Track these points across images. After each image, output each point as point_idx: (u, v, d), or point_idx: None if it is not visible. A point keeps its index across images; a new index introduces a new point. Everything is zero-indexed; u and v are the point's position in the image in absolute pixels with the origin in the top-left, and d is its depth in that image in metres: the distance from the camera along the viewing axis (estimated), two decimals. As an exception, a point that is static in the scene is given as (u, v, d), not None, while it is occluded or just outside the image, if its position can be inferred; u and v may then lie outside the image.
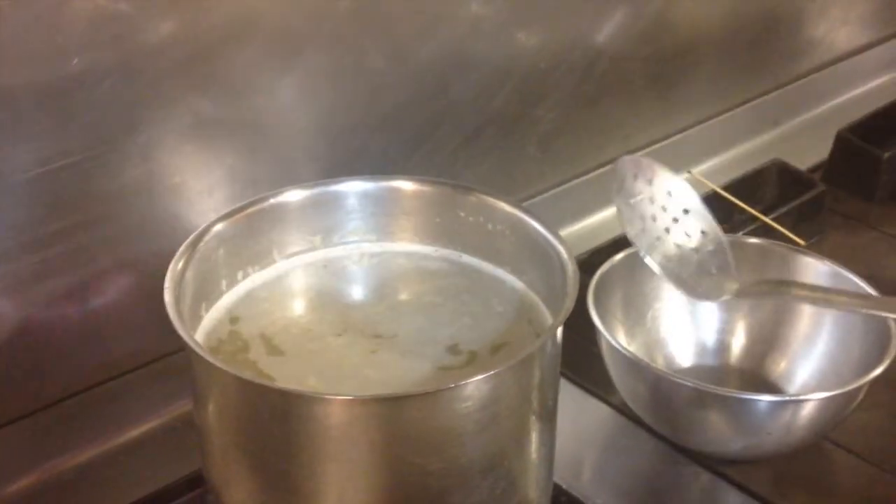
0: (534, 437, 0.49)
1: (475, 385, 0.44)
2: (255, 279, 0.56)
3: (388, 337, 0.53)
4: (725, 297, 0.61)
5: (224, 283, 0.55)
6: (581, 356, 0.66)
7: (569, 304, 0.48)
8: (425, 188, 0.58)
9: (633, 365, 0.61)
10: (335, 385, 0.50)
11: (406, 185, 0.58)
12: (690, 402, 0.60)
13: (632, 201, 0.60)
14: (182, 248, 0.51)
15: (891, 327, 0.61)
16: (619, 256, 0.67)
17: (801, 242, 0.77)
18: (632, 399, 0.64)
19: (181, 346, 0.46)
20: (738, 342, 0.69)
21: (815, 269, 0.67)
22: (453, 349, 0.52)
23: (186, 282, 0.50)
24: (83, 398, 0.63)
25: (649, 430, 0.65)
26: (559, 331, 0.48)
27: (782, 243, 0.71)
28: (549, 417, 0.51)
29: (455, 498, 0.47)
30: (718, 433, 0.60)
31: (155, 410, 0.65)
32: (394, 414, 0.45)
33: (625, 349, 0.61)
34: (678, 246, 0.61)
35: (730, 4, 0.91)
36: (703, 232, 0.61)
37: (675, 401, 0.60)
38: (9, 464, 0.61)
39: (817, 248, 0.78)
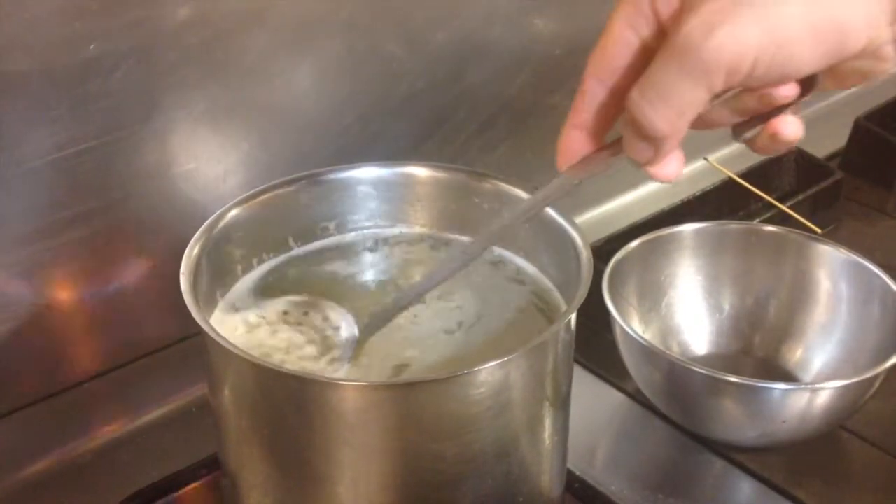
0: (547, 424, 0.49)
1: (489, 371, 0.44)
2: (270, 265, 0.56)
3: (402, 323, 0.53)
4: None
5: (239, 268, 0.55)
6: (595, 343, 0.66)
7: (583, 290, 0.48)
8: (440, 174, 0.58)
9: (648, 352, 0.61)
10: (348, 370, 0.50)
11: (421, 172, 0.58)
12: (705, 390, 0.60)
13: None
14: (198, 234, 0.51)
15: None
16: (634, 244, 0.67)
17: (818, 230, 0.77)
18: (646, 386, 0.64)
19: (197, 331, 0.46)
20: (754, 330, 0.69)
21: (831, 258, 0.67)
22: (467, 334, 0.52)
23: (202, 267, 0.50)
24: (99, 382, 0.63)
25: (663, 417, 0.65)
26: (573, 317, 0.48)
27: (799, 231, 0.70)
28: (562, 404, 0.51)
29: (469, 484, 0.47)
30: (733, 421, 0.60)
31: (171, 394, 0.65)
32: (408, 400, 0.45)
33: (639, 336, 0.61)
34: None
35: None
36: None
37: (689, 388, 0.60)
38: (26, 446, 0.61)
39: (834, 235, 0.77)
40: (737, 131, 0.42)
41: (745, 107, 0.40)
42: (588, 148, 0.43)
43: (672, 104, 0.38)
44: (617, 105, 0.41)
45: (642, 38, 0.40)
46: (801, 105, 0.40)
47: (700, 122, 0.40)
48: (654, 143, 0.39)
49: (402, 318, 0.53)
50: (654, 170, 0.41)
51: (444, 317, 0.54)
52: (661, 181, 0.42)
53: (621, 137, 0.41)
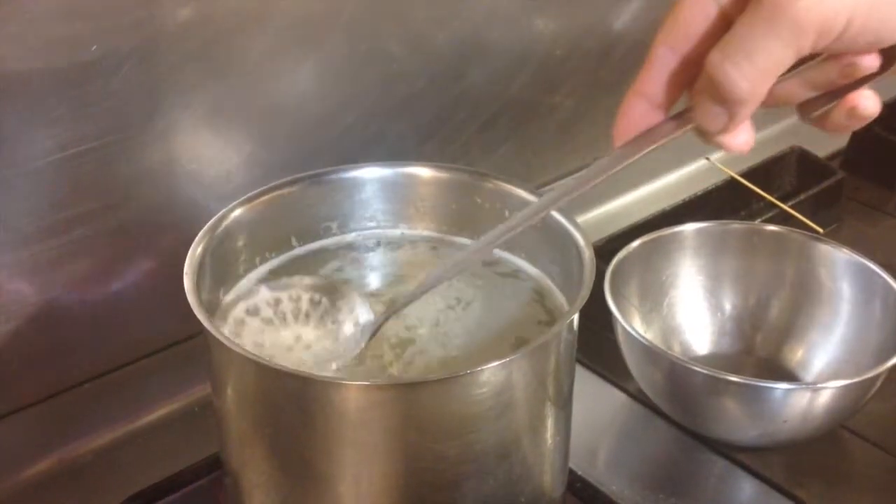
0: (549, 424, 0.49)
1: (491, 371, 0.44)
2: (272, 265, 0.56)
3: (403, 323, 0.53)
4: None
5: (242, 268, 0.55)
6: (597, 343, 0.66)
7: (585, 291, 0.48)
8: (442, 174, 0.58)
9: (650, 352, 0.61)
10: (350, 370, 0.50)
11: (422, 172, 0.58)
12: (706, 390, 0.60)
13: None
14: (201, 234, 0.51)
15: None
16: (635, 244, 0.67)
17: (819, 230, 0.77)
18: (648, 386, 0.64)
19: (200, 331, 0.46)
20: (755, 330, 0.69)
21: (832, 257, 0.67)
22: (469, 335, 0.52)
23: (205, 267, 0.50)
24: (102, 382, 0.63)
25: (665, 417, 0.65)
26: (575, 318, 0.48)
27: (800, 231, 0.70)
28: (564, 404, 0.51)
29: (471, 483, 0.47)
30: (734, 421, 0.60)
31: (173, 394, 0.66)
32: (410, 400, 0.45)
33: (641, 336, 0.61)
34: None
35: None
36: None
37: (691, 388, 0.60)
38: (28, 446, 0.61)
39: (835, 235, 0.77)
40: (805, 109, 0.41)
41: (824, 78, 0.39)
42: (651, 120, 0.42)
43: (757, 64, 0.37)
44: (687, 74, 0.40)
45: (720, 4, 0.39)
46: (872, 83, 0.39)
47: (769, 98, 0.39)
48: (731, 109, 0.38)
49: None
50: (726, 139, 0.40)
51: (444, 316, 0.54)
52: (733, 151, 0.41)
53: (685, 110, 0.40)
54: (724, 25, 0.39)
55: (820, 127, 0.42)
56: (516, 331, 0.53)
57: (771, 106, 0.40)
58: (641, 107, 0.42)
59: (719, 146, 0.41)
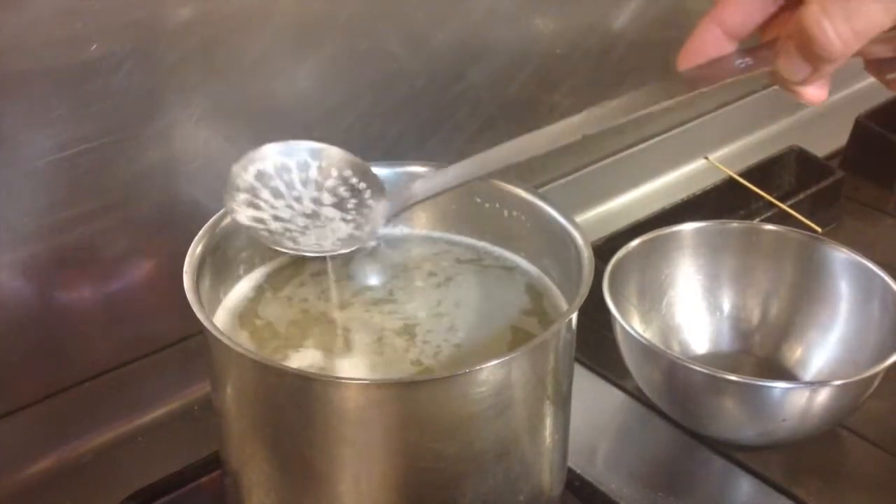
0: (548, 423, 0.50)
1: (490, 370, 0.45)
2: (272, 265, 0.56)
3: (404, 323, 0.53)
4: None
5: (242, 268, 0.55)
6: (596, 342, 0.66)
7: (584, 290, 0.48)
8: (441, 174, 0.58)
9: (648, 351, 0.61)
10: (349, 368, 0.50)
11: (422, 171, 0.58)
12: (705, 389, 0.60)
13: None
14: (201, 233, 0.51)
15: (907, 315, 0.61)
16: (634, 243, 0.67)
17: (818, 230, 0.77)
18: (646, 385, 0.64)
19: (199, 330, 0.46)
20: (754, 329, 0.69)
21: (831, 257, 0.67)
22: (468, 334, 0.52)
23: (205, 266, 0.50)
24: (102, 381, 0.63)
25: (664, 416, 0.65)
26: (574, 317, 0.48)
27: (799, 230, 0.71)
28: (563, 403, 0.51)
29: (469, 482, 0.47)
30: (733, 420, 0.60)
31: (173, 393, 0.66)
32: (409, 398, 0.45)
33: (640, 335, 0.61)
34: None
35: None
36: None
37: (689, 387, 0.60)
38: (28, 446, 0.61)
39: (834, 235, 0.77)
40: (879, 69, 0.40)
41: None
42: (722, 49, 0.41)
43: (854, 26, 0.37)
44: (768, 9, 0.40)
45: None
46: None
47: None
48: (817, 63, 0.38)
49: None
50: (801, 89, 0.40)
51: (444, 315, 0.54)
52: (806, 103, 0.41)
53: (756, 48, 0.40)
54: None
55: (892, 89, 0.41)
56: (514, 329, 0.53)
57: (851, 58, 0.40)
58: (714, 33, 0.41)
59: (792, 93, 0.40)
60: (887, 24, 0.37)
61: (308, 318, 0.53)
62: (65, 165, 0.57)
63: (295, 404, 0.45)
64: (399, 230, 0.58)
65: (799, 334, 0.68)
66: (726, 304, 0.70)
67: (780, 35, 0.40)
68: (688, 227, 0.69)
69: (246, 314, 0.53)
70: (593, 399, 0.67)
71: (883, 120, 0.90)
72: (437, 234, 0.58)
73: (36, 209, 0.57)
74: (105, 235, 0.60)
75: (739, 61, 0.41)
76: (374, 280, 0.57)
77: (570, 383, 0.51)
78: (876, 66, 0.41)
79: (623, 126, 0.44)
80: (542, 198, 0.55)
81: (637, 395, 0.67)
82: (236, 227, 0.53)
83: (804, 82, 0.40)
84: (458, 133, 0.75)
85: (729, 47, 0.41)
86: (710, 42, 0.41)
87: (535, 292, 0.55)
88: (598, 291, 0.62)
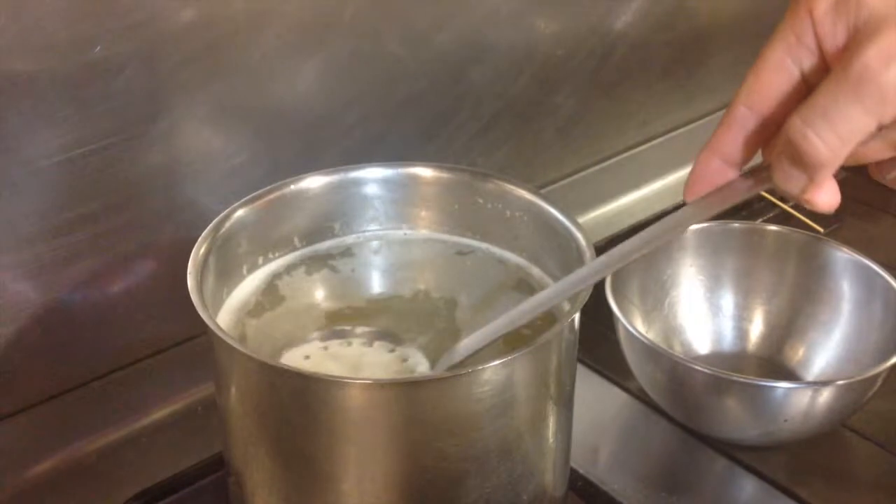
0: (551, 423, 0.50)
1: (493, 370, 0.45)
2: (275, 264, 0.56)
3: (406, 323, 0.53)
4: None
5: (245, 268, 0.55)
6: (599, 343, 0.66)
7: (586, 290, 0.48)
8: (444, 175, 0.58)
9: (651, 351, 0.61)
10: (352, 368, 0.50)
11: (424, 172, 0.58)
12: (707, 389, 0.60)
13: None
14: (204, 234, 0.51)
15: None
16: (636, 243, 0.67)
17: (820, 230, 0.77)
18: (649, 385, 0.64)
19: (203, 331, 0.46)
20: (756, 329, 0.69)
21: (833, 257, 0.67)
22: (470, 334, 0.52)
23: (209, 267, 0.50)
24: (106, 381, 0.64)
25: (666, 416, 0.65)
26: (576, 317, 0.49)
27: (801, 230, 0.71)
28: (566, 403, 0.51)
29: (472, 482, 0.47)
30: (735, 420, 0.60)
31: (177, 394, 0.66)
32: (412, 398, 0.45)
33: (642, 336, 0.61)
34: None
35: (749, -10, 0.91)
36: None
37: (692, 387, 0.60)
38: (32, 446, 0.61)
39: (836, 235, 0.77)
40: (882, 169, 0.41)
41: None
42: (725, 177, 0.42)
43: (838, 131, 0.37)
44: (764, 134, 0.41)
45: (802, 69, 0.40)
46: None
47: (850, 157, 0.39)
48: (810, 172, 0.39)
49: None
50: (809, 197, 0.40)
51: (447, 316, 0.54)
52: (819, 210, 0.41)
53: (758, 168, 0.41)
54: (805, 89, 0.39)
55: (894, 187, 0.42)
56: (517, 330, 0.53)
57: (850, 164, 0.40)
58: (715, 164, 0.42)
59: (803, 204, 0.41)
60: (872, 126, 0.37)
61: (312, 318, 0.54)
62: (69, 166, 0.57)
63: (298, 404, 0.45)
64: (401, 230, 0.59)
65: (801, 334, 0.68)
66: (728, 305, 0.70)
67: (773, 151, 0.40)
68: (690, 227, 0.69)
69: (250, 315, 0.53)
70: (596, 399, 0.67)
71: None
72: (440, 234, 0.59)
73: (40, 210, 0.57)
74: (109, 236, 0.60)
75: (743, 183, 0.42)
76: (377, 280, 0.57)
77: (573, 383, 0.51)
78: (878, 168, 0.41)
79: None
80: (545, 198, 0.55)
81: (640, 396, 0.67)
82: (240, 228, 0.53)
83: (806, 191, 0.40)
84: (460, 134, 0.75)
85: (731, 174, 0.42)
86: (713, 172, 0.42)
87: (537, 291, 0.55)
88: (601, 292, 0.62)
